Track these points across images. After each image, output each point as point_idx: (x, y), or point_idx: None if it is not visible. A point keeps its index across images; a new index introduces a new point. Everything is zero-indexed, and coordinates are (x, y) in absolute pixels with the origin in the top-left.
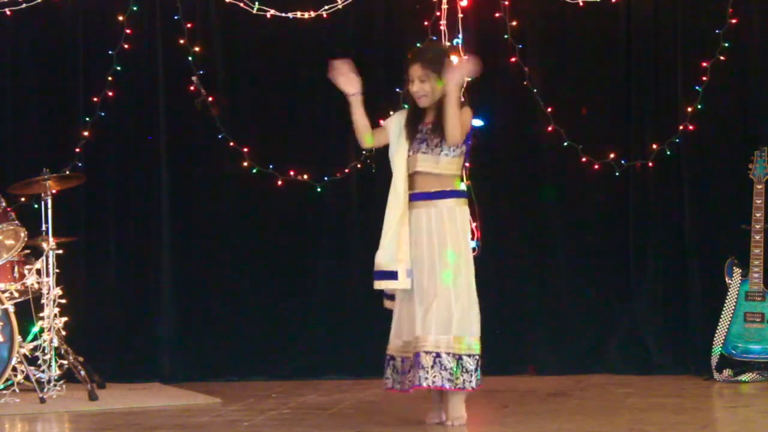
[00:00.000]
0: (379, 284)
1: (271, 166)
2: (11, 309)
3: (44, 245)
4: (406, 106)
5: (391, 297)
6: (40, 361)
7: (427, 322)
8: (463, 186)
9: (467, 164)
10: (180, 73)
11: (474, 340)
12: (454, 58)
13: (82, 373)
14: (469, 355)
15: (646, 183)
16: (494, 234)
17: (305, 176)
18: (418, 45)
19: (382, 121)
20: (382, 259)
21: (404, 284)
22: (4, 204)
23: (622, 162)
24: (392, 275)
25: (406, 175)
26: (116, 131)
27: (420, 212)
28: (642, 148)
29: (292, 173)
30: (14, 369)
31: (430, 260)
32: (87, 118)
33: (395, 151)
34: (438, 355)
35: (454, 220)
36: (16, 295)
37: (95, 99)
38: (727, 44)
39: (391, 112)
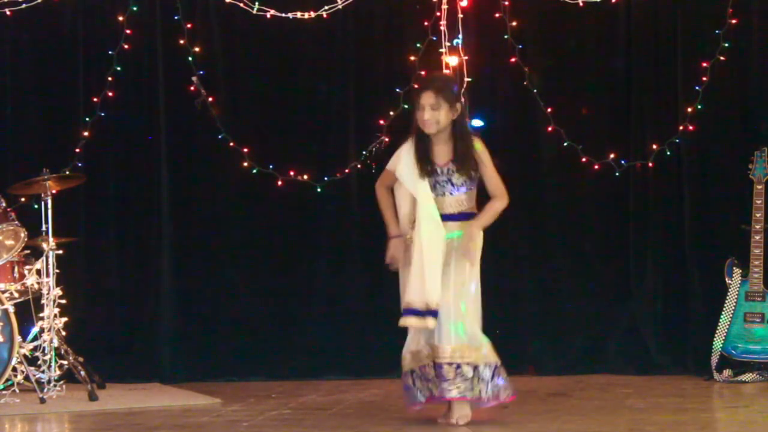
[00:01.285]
0: (403, 321)
1: (271, 167)
2: (11, 309)
3: (44, 245)
4: (405, 105)
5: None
6: (40, 362)
7: (446, 334)
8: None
9: None
10: (180, 74)
11: (489, 351)
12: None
13: (82, 373)
14: (485, 364)
15: (646, 183)
16: (494, 234)
17: (305, 176)
18: (423, 73)
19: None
20: (417, 297)
21: (432, 324)
22: (4, 204)
23: (622, 162)
24: (418, 312)
25: (434, 211)
26: (116, 131)
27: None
28: (642, 148)
29: (292, 173)
30: (14, 369)
31: (457, 277)
32: (87, 119)
33: (414, 190)
34: (459, 366)
35: (472, 237)
36: (16, 295)
37: (95, 99)
38: (727, 44)
39: (391, 113)
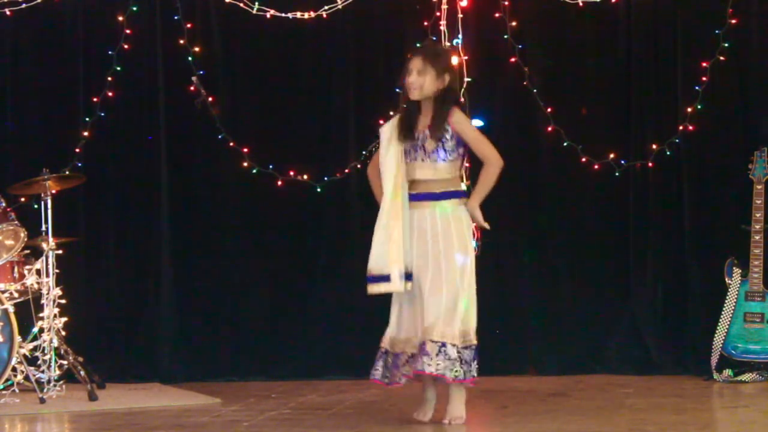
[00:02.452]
0: (372, 288)
1: (271, 167)
2: (11, 309)
3: (44, 245)
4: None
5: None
6: (39, 362)
7: (434, 315)
8: (464, 186)
9: (467, 164)
10: (180, 74)
11: (473, 333)
12: (455, 59)
13: (82, 373)
14: (467, 347)
15: (646, 183)
16: (494, 234)
17: (305, 176)
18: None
19: (381, 122)
20: (374, 263)
21: (398, 287)
22: (4, 204)
23: (622, 162)
24: (385, 278)
25: (397, 177)
26: (116, 131)
27: (424, 212)
28: (642, 148)
29: (292, 173)
30: (14, 369)
31: (435, 260)
32: (87, 119)
33: (385, 154)
34: (444, 344)
35: (459, 219)
36: (15, 295)
37: (95, 99)
38: (726, 44)
39: (391, 113)
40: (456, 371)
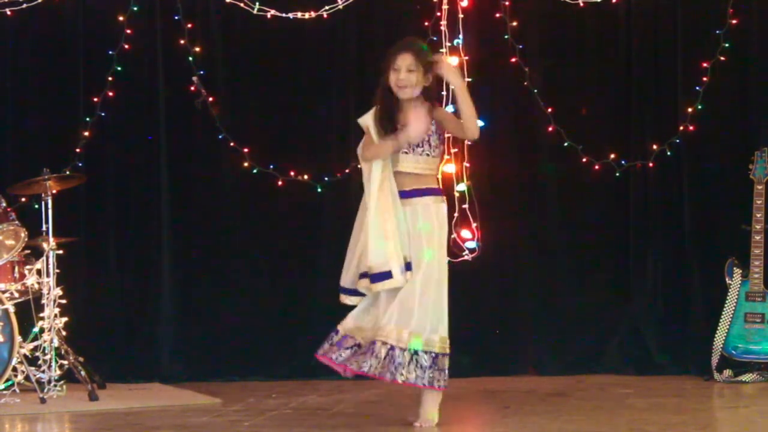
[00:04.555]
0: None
1: (271, 167)
2: (11, 309)
3: (44, 245)
4: None
5: (351, 292)
6: (40, 362)
7: (389, 314)
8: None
9: (467, 164)
10: (180, 74)
11: (439, 338)
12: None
13: (83, 373)
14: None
15: (647, 183)
16: (494, 234)
17: (306, 176)
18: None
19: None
20: (374, 261)
21: (401, 281)
22: (4, 204)
23: (623, 162)
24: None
25: (384, 170)
26: (116, 131)
27: (414, 209)
28: (642, 148)
29: (292, 173)
30: (14, 369)
31: (418, 259)
32: (87, 118)
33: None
34: (392, 348)
35: (430, 217)
36: (16, 295)
37: (95, 99)
38: (727, 45)
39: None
40: (427, 379)
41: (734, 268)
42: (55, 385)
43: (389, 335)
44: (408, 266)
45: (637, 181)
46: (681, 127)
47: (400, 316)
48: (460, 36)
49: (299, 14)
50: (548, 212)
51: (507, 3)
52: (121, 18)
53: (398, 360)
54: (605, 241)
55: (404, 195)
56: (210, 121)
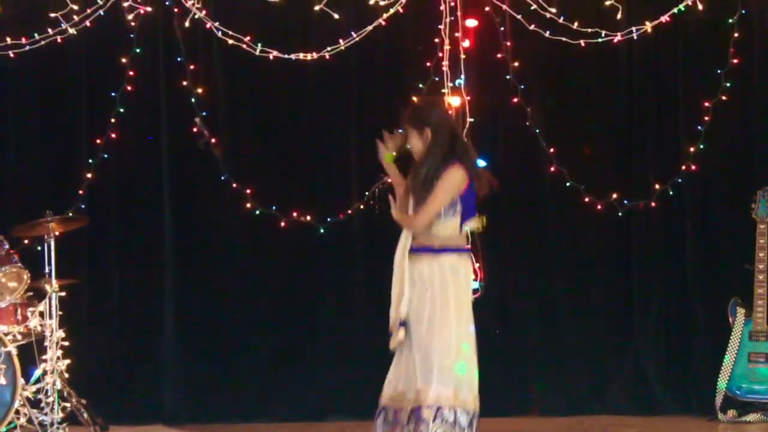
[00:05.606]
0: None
1: (274, 208)
2: (14, 351)
3: (47, 287)
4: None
5: None
6: (43, 404)
7: (427, 375)
8: (465, 241)
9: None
10: (183, 115)
11: (470, 398)
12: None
13: (85, 415)
14: (465, 411)
15: (649, 223)
16: (497, 274)
17: (308, 217)
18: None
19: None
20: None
21: (394, 339)
22: (7, 246)
23: (625, 202)
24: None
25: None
26: (119, 173)
27: (423, 265)
28: (645, 188)
29: (295, 214)
30: (17, 412)
31: (431, 314)
32: (90, 160)
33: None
34: (439, 408)
35: (457, 274)
36: (19, 337)
37: (98, 141)
38: (728, 84)
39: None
40: None
41: (737, 308)
42: (58, 428)
43: (433, 398)
44: (402, 323)
45: (640, 221)
46: (683, 167)
47: (440, 377)
48: (462, 76)
49: (301, 55)
50: (551, 252)
51: (509, 44)
52: (123, 60)
53: (449, 419)
54: (608, 281)
55: (431, 251)
56: (212, 162)
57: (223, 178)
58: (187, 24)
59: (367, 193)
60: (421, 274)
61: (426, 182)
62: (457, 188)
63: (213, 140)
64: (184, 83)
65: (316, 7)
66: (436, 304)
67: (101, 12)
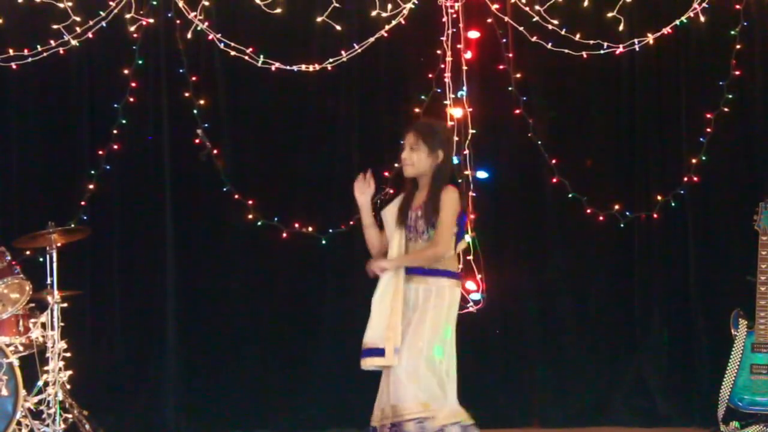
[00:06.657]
0: (365, 362)
1: (275, 219)
2: (16, 363)
3: (49, 299)
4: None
5: None
6: (44, 415)
7: (401, 392)
8: (457, 263)
9: (471, 215)
10: (185, 126)
11: (451, 409)
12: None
13: (87, 427)
14: (453, 424)
15: (651, 234)
16: (498, 286)
17: (310, 228)
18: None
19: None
20: (370, 337)
21: (391, 362)
22: (9, 257)
23: (627, 213)
24: (379, 351)
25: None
26: (121, 184)
27: (410, 287)
28: (647, 199)
29: (296, 226)
30: (19, 423)
31: (410, 333)
32: (92, 171)
33: (391, 237)
34: (420, 420)
35: (442, 296)
36: (21, 348)
37: (101, 152)
38: (730, 96)
39: (396, 164)
40: None
41: (740, 320)
42: None
43: (409, 411)
44: (397, 350)
45: (642, 232)
46: (685, 178)
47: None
48: (464, 88)
49: (303, 67)
50: (553, 264)
51: (511, 55)
52: (126, 71)
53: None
54: (610, 293)
55: (422, 272)
56: (215, 174)
57: (225, 189)
58: (189, 36)
59: None
60: (408, 295)
61: (433, 200)
62: (458, 208)
63: (215, 152)
64: (186, 95)
65: (318, 19)
66: (413, 322)
67: (103, 24)
